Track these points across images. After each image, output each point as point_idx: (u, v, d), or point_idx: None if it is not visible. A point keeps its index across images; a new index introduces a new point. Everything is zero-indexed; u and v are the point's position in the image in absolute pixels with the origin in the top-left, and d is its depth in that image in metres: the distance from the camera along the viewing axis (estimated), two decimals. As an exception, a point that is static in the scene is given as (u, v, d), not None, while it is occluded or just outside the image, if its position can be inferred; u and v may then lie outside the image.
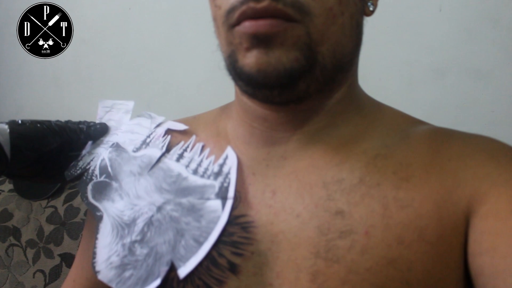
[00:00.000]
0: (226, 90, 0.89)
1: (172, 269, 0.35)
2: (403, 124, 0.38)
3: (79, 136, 0.43)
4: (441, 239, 0.31)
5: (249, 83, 0.33)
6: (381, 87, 0.79)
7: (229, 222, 0.35)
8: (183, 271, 0.34)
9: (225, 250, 0.34)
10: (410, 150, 0.35)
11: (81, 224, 0.74)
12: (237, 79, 0.34)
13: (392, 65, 0.80)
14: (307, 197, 0.34)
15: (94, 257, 0.38)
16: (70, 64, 0.97)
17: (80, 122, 0.44)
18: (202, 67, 0.92)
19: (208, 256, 0.34)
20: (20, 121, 0.39)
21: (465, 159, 0.33)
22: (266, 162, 0.37)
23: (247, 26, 0.30)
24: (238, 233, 0.34)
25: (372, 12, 0.37)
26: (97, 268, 0.37)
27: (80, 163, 0.43)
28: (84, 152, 0.44)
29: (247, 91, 0.35)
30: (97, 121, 0.46)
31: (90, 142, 0.45)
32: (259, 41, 0.30)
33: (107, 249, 0.37)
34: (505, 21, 0.74)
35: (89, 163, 0.43)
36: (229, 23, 0.32)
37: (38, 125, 0.40)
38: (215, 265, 0.34)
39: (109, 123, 0.46)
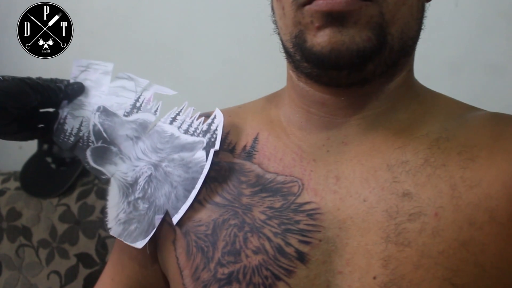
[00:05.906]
0: (241, 85, 0.88)
1: (237, 260, 0.33)
2: (460, 110, 0.38)
3: (58, 95, 0.42)
4: (511, 220, 0.31)
5: (317, 63, 0.32)
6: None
7: (292, 209, 0.34)
8: (176, 218, 0.37)
9: (292, 239, 0.33)
10: (471, 133, 0.35)
11: (97, 222, 0.71)
12: (303, 61, 0.33)
13: (407, 60, 0.80)
14: (372, 181, 0.33)
15: (105, 217, 0.42)
16: (76, 57, 0.93)
17: (52, 80, 0.42)
18: (216, 61, 0.90)
19: (274, 245, 0.33)
20: (1, 77, 0.37)
21: None
22: (327, 148, 0.36)
23: (321, 4, 0.30)
24: (304, 221, 0.33)
25: None
26: (109, 225, 0.41)
27: (67, 128, 0.43)
28: (61, 112, 0.44)
29: (312, 73, 0.34)
30: (71, 80, 0.45)
31: (65, 102, 0.44)
32: (333, 19, 0.30)
33: (115, 208, 0.41)
34: (520, 17, 0.75)
35: (79, 128, 0.43)
36: (299, 2, 0.31)
37: (20, 81, 0.38)
38: (282, 254, 0.33)
39: (85, 83, 0.45)
